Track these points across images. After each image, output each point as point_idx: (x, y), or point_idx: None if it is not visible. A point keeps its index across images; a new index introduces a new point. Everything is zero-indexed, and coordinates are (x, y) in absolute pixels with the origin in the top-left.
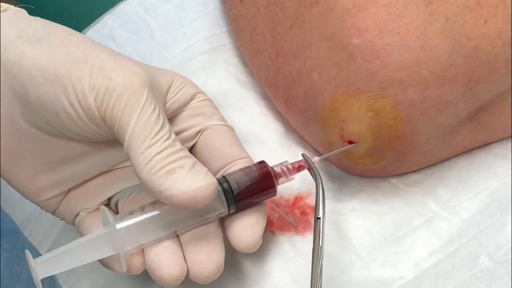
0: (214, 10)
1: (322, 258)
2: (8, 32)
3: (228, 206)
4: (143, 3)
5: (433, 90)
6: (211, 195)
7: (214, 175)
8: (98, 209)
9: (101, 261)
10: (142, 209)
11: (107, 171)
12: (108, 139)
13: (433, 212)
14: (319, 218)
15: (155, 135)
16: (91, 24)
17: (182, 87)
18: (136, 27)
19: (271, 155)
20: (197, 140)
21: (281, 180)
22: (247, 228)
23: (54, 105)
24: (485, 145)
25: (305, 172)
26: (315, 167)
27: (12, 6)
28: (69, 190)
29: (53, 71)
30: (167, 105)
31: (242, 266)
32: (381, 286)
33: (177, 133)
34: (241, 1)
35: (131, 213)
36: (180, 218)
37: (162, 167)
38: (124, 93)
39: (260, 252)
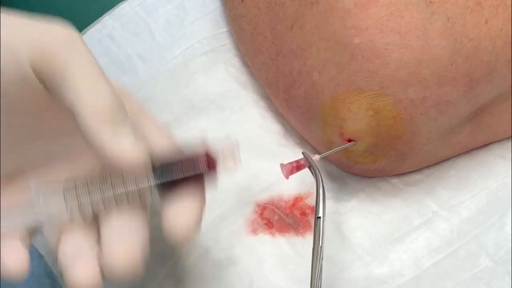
0: (214, 10)
1: (322, 258)
2: None
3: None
4: (144, 4)
5: (433, 89)
6: (141, 163)
7: None
8: None
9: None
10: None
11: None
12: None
13: (433, 212)
14: (319, 217)
15: (102, 75)
16: (91, 25)
17: (137, 110)
18: (136, 27)
19: (271, 155)
20: None
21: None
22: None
23: None
24: (485, 145)
25: (305, 172)
26: (315, 165)
27: None
28: None
29: None
30: None
31: (242, 266)
32: (380, 284)
33: None
34: (242, 1)
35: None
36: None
37: (110, 119)
38: (61, 39)
39: (260, 252)
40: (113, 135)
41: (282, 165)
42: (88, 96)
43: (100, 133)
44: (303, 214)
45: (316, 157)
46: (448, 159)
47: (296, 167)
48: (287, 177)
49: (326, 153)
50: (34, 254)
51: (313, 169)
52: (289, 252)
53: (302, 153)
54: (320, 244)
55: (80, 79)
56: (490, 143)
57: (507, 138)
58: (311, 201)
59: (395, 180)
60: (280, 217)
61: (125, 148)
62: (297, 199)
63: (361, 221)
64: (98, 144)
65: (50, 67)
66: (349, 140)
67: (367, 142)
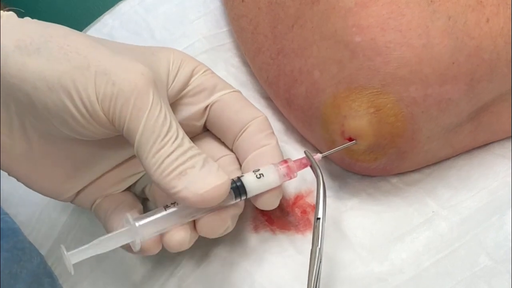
0: (214, 10)
1: (321, 260)
2: (5, 42)
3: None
4: (143, 3)
5: (435, 88)
6: (224, 194)
7: (231, 144)
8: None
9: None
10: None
11: (126, 160)
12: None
13: (433, 211)
14: (319, 218)
15: (164, 137)
16: (91, 24)
17: (179, 66)
18: (136, 26)
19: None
20: (207, 116)
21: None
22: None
23: (62, 113)
24: (485, 144)
25: (306, 170)
26: (317, 165)
27: (1, 11)
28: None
29: (57, 81)
30: (169, 90)
31: (242, 264)
32: (380, 283)
33: (185, 118)
34: (243, 1)
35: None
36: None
37: (174, 169)
38: (130, 97)
39: (260, 250)
40: (180, 182)
41: None
42: (155, 158)
43: (167, 185)
44: (304, 212)
45: (318, 156)
46: (448, 158)
47: (298, 166)
48: None
49: (328, 152)
50: (34, 254)
51: (315, 168)
52: (289, 249)
53: (304, 152)
54: (319, 246)
55: (147, 139)
56: (490, 143)
57: (507, 138)
58: (312, 199)
59: (395, 180)
60: (281, 215)
61: (195, 192)
62: (298, 197)
63: (361, 220)
64: (168, 193)
65: (122, 119)
66: (350, 139)
67: (368, 140)
